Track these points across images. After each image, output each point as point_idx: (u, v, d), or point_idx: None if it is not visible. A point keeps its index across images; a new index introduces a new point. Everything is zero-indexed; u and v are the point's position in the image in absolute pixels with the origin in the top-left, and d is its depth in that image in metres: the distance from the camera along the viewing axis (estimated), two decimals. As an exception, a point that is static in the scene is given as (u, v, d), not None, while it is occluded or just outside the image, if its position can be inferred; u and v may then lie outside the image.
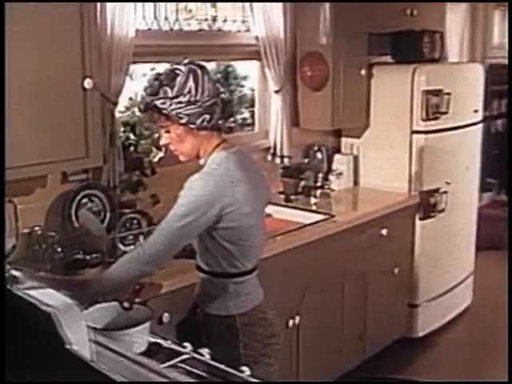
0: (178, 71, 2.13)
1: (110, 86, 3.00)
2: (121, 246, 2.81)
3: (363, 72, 4.12)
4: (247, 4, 3.75)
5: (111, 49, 2.97)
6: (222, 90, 5.97)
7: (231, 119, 5.67)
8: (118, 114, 3.18)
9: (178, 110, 2.12)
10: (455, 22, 5.62)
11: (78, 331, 1.12)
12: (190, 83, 2.12)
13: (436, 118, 4.06)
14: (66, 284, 2.37)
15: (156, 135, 3.31)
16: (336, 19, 3.88)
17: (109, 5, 2.94)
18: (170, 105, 2.11)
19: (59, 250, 2.75)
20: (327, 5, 3.87)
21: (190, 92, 2.12)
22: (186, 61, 2.17)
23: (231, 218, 2.14)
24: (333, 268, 3.56)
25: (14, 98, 2.42)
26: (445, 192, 4.21)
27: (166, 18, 3.39)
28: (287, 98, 3.95)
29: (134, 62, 3.12)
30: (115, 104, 3.05)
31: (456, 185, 4.29)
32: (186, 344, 2.07)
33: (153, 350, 1.99)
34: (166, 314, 2.60)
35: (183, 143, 2.20)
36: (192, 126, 2.16)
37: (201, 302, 2.33)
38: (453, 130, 4.20)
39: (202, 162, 2.24)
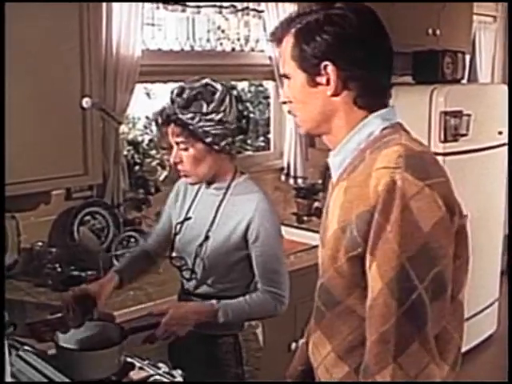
0: (213, 88, 2.05)
1: (115, 105, 3.02)
2: (116, 263, 2.81)
3: (379, 92, 4.04)
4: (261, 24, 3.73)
5: (117, 68, 2.99)
6: (251, 109, 6.01)
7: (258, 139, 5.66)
8: (124, 132, 3.21)
9: (207, 128, 2.02)
10: (487, 43, 5.53)
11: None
12: (226, 103, 2.05)
13: (455, 140, 3.97)
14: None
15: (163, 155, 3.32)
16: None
17: (115, 24, 2.97)
18: (200, 121, 2.01)
19: (57, 265, 2.78)
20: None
21: (224, 111, 2.04)
22: (207, 80, 2.08)
23: None
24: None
25: (15, 111, 2.46)
26: (465, 216, 4.08)
27: (176, 38, 3.42)
28: (302, 118, 3.90)
29: (140, 82, 3.14)
30: (120, 123, 3.06)
31: (478, 208, 4.16)
32: (160, 365, 2.06)
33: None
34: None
35: (200, 164, 2.08)
36: (215, 147, 2.06)
37: (203, 326, 2.12)
38: (473, 152, 4.10)
39: (216, 185, 2.17)
